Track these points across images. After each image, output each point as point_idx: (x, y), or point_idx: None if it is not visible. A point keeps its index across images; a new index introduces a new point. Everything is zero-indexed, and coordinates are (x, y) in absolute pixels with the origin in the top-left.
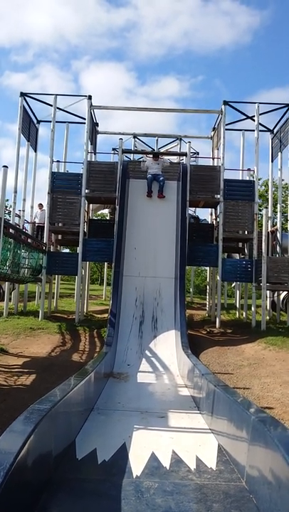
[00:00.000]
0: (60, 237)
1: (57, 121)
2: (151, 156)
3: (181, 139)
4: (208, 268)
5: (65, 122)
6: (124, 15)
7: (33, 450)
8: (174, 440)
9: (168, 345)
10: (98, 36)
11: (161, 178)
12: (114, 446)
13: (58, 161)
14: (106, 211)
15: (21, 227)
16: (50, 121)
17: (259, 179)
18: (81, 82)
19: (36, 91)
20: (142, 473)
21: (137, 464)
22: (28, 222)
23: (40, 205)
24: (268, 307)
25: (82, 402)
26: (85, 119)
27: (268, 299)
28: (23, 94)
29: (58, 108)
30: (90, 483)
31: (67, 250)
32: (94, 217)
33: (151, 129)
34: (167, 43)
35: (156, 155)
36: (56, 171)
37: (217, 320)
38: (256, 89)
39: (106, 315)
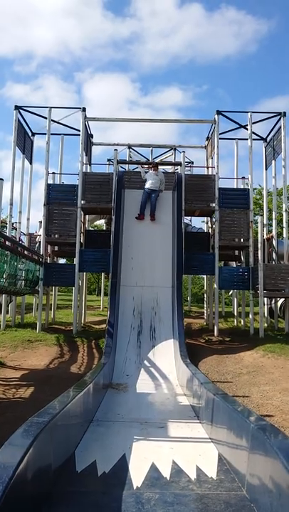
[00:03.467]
0: (56, 248)
1: (52, 134)
2: (146, 166)
3: (175, 149)
4: (205, 276)
5: (60, 134)
6: (128, 26)
7: (33, 463)
8: (174, 450)
9: (166, 354)
10: (102, 47)
11: (154, 201)
12: (114, 458)
13: (53, 173)
14: (102, 221)
15: (17, 239)
16: (45, 134)
17: (254, 189)
18: (84, 93)
19: (39, 102)
20: (142, 485)
21: (137, 475)
22: (24, 234)
23: None
24: (266, 314)
25: (81, 413)
26: (79, 130)
27: (266, 306)
28: (17, 108)
29: (52, 120)
30: (90, 495)
31: (64, 261)
32: (90, 228)
33: (153, 139)
34: (171, 53)
35: (156, 165)
36: (52, 182)
37: (215, 328)
38: (259, 98)
39: (104, 325)
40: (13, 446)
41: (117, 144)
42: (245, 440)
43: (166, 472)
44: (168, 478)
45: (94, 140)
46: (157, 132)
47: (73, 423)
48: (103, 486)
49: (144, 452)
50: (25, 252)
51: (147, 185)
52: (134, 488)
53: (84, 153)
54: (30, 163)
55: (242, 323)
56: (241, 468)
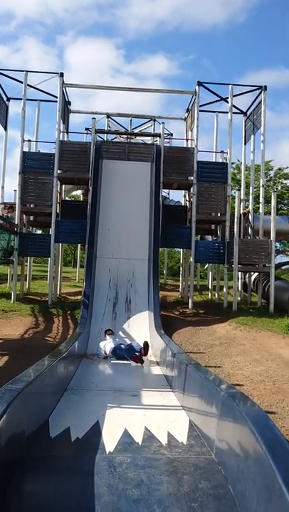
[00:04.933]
0: (32, 218)
1: (28, 99)
2: (124, 136)
3: (155, 120)
4: (181, 250)
5: (36, 100)
6: None
7: (6, 429)
8: (147, 417)
9: (141, 326)
10: (86, 10)
11: (128, 345)
12: (88, 425)
13: (29, 141)
14: (79, 192)
15: None
16: (21, 99)
17: (232, 163)
18: (66, 57)
19: (18, 65)
20: (114, 449)
21: (109, 440)
22: None
23: None
24: (240, 288)
25: (56, 382)
26: (57, 97)
27: (240, 280)
28: None
29: (28, 85)
30: (63, 460)
31: (40, 232)
32: (67, 199)
33: (137, 109)
34: (158, 18)
35: (109, 330)
36: (28, 150)
37: (190, 301)
38: (245, 70)
39: (80, 297)
40: None
41: (96, 113)
42: (215, 407)
43: (138, 438)
44: (140, 443)
45: (74, 108)
46: (141, 102)
47: (47, 391)
48: (76, 451)
49: (117, 419)
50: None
51: (109, 350)
52: (107, 452)
53: (61, 121)
54: (5, 130)
55: (216, 296)
56: (211, 433)
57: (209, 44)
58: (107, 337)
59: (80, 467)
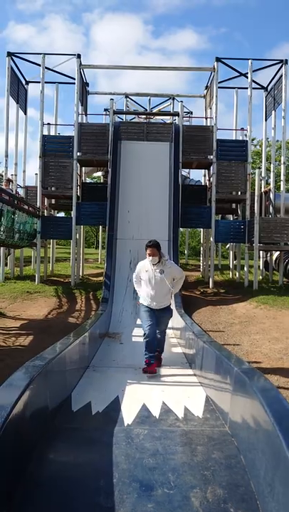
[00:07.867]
0: (53, 201)
1: (46, 82)
2: (143, 117)
3: (174, 99)
4: (202, 230)
5: (54, 83)
6: None
7: (29, 403)
8: (165, 393)
9: None
10: None
11: (162, 336)
12: (108, 399)
13: (48, 124)
14: (100, 174)
15: (14, 192)
16: (40, 82)
17: (253, 139)
18: (92, 35)
19: (44, 46)
20: (132, 422)
21: (128, 414)
22: (20, 187)
23: None
24: (261, 267)
25: (78, 359)
26: (75, 79)
27: (261, 259)
28: (10, 54)
29: (46, 68)
30: (84, 431)
31: (62, 214)
32: (87, 181)
33: (162, 87)
34: None
35: (151, 246)
36: (48, 133)
37: (210, 280)
38: (278, 41)
39: (102, 278)
40: (10, 387)
41: (114, 94)
42: (229, 382)
43: (155, 412)
44: (157, 416)
45: (100, 87)
46: (167, 79)
47: (70, 368)
48: (96, 424)
49: (137, 394)
50: (22, 205)
51: (148, 295)
52: (125, 425)
53: (79, 103)
54: (25, 114)
55: (237, 275)
56: (225, 407)
57: (242, 15)
58: (150, 263)
59: (100, 438)
